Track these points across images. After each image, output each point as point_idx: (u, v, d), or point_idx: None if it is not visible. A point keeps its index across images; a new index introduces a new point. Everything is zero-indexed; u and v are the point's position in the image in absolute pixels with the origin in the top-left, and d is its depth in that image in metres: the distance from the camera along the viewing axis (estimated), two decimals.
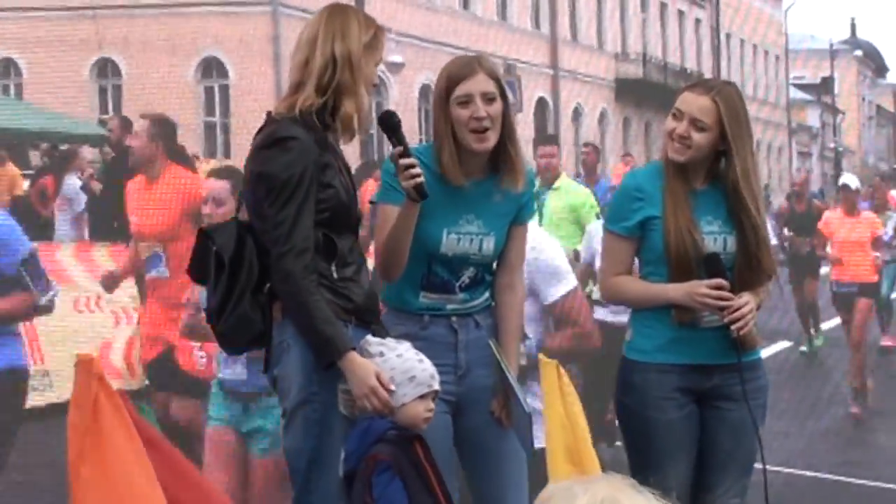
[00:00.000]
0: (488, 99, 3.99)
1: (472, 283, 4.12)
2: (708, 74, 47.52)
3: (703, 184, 4.28)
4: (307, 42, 3.85)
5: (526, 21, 40.79)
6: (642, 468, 4.29)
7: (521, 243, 4.27)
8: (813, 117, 69.05)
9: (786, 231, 13.72)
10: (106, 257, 10.05)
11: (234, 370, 5.30)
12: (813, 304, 13.58)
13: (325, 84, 3.80)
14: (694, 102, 4.19)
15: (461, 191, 4.01)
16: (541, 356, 4.47)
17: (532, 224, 4.52)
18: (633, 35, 47.35)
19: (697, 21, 53.72)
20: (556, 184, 8.79)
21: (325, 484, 3.70)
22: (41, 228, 13.25)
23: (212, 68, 31.03)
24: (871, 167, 64.64)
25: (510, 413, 4.11)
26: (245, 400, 5.30)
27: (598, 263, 6.93)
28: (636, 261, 4.41)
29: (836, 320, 11.90)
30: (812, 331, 13.86)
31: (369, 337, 3.76)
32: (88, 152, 18.68)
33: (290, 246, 3.67)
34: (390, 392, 3.60)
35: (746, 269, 4.22)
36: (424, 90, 32.28)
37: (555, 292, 5.10)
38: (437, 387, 3.68)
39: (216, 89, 31.15)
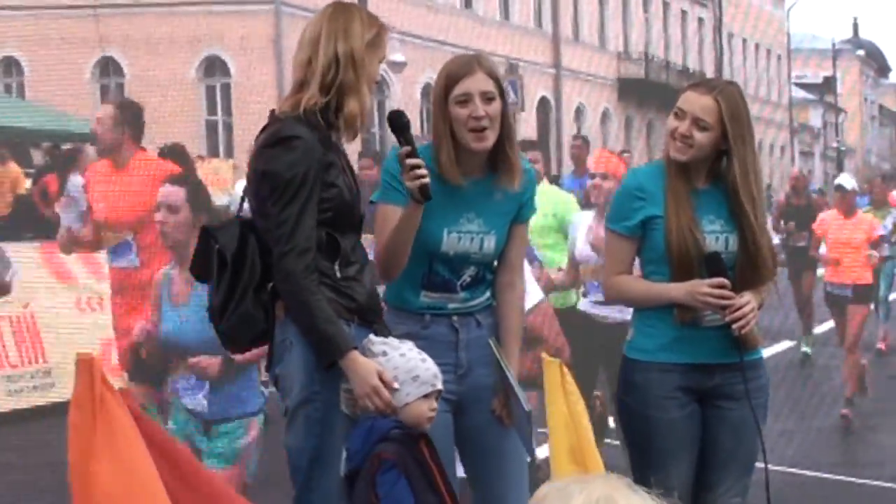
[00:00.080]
0: (487, 98, 3.99)
1: (472, 282, 4.12)
2: (710, 74, 47.52)
3: (704, 183, 4.28)
4: (310, 41, 3.85)
5: (528, 20, 40.77)
6: (644, 467, 4.30)
7: (522, 242, 4.27)
8: (815, 117, 69.04)
9: (782, 223, 13.58)
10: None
11: (196, 399, 5.34)
12: (809, 300, 13.42)
13: (329, 83, 3.80)
14: (696, 102, 4.19)
15: (460, 190, 4.01)
16: (543, 355, 4.47)
17: None
18: (635, 34, 47.33)
19: (700, 20, 53.70)
20: (539, 189, 8.68)
21: (326, 483, 3.70)
22: (43, 227, 13.24)
23: (214, 67, 31.02)
24: (874, 167, 64.59)
25: (511, 412, 4.11)
26: (206, 423, 5.36)
27: (577, 251, 7.00)
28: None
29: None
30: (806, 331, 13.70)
31: (372, 336, 3.76)
32: (92, 151, 18.66)
33: (291, 245, 3.67)
34: (393, 391, 3.60)
35: (748, 269, 4.21)
36: (427, 89, 32.25)
37: None
38: (440, 386, 3.68)
39: (218, 88, 31.15)
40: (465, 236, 4.06)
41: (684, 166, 4.23)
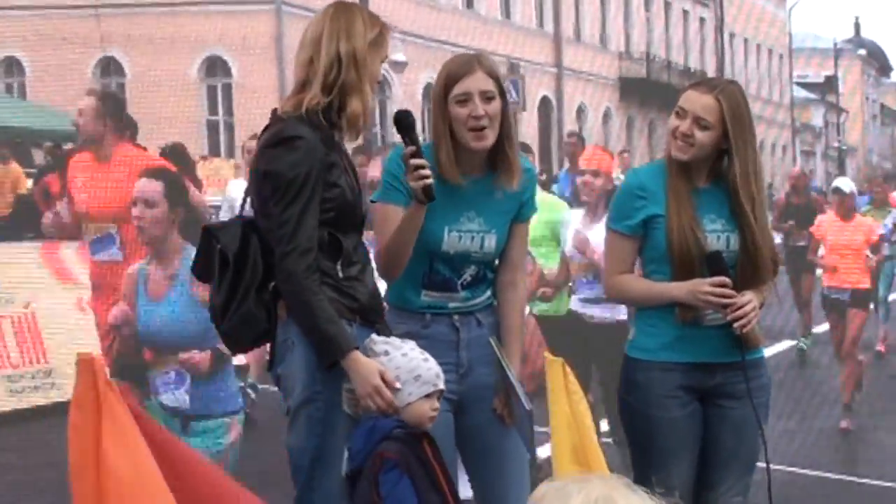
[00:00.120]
0: (487, 98, 3.99)
1: (473, 281, 4.12)
2: (712, 73, 47.54)
3: (706, 182, 4.28)
4: (312, 40, 3.85)
5: (530, 20, 40.77)
6: (645, 466, 4.30)
7: (523, 241, 4.27)
8: (817, 116, 69.03)
9: (781, 223, 13.51)
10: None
11: (176, 396, 5.28)
12: (808, 300, 13.31)
13: (331, 82, 3.80)
14: (697, 101, 4.19)
15: (460, 189, 4.01)
16: (546, 354, 4.46)
17: None
18: (636, 34, 47.33)
19: (701, 20, 53.70)
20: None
21: (327, 482, 3.70)
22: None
23: (215, 67, 31.02)
24: (875, 166, 64.57)
25: (511, 411, 4.11)
26: (185, 419, 5.32)
27: (567, 249, 6.93)
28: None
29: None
30: (804, 331, 13.63)
31: (374, 336, 3.76)
32: None
33: (293, 245, 3.67)
34: (395, 391, 3.60)
35: (749, 268, 4.22)
36: (428, 89, 32.22)
37: None
38: (442, 386, 3.68)
39: (219, 88, 31.16)
40: (466, 235, 4.06)
41: (685, 165, 4.23)
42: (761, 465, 4.30)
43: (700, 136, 4.17)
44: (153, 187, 5.39)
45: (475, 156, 4.05)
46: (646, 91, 45.16)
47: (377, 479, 3.45)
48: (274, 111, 3.88)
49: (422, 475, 3.51)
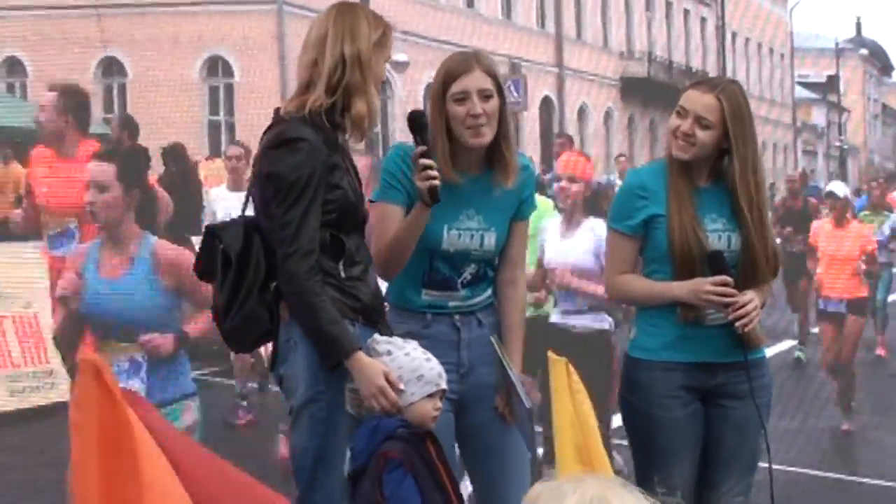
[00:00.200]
0: (485, 96, 3.99)
1: (473, 280, 4.12)
2: (713, 73, 47.51)
3: (706, 182, 4.28)
4: (316, 42, 3.84)
5: (531, 20, 40.76)
6: (647, 466, 4.30)
7: (523, 239, 4.27)
8: (818, 116, 69.02)
9: (779, 228, 13.39)
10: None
11: (130, 386, 4.84)
12: (804, 306, 13.04)
13: (335, 84, 3.80)
14: (698, 100, 4.20)
15: (459, 187, 4.01)
16: (550, 354, 4.46)
17: None
18: (638, 34, 47.32)
19: (703, 20, 53.69)
20: None
21: (329, 482, 3.70)
22: None
23: (217, 67, 31.03)
24: (877, 166, 64.56)
25: (513, 410, 4.12)
26: None
27: (546, 259, 6.72)
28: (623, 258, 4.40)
29: None
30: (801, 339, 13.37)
31: (377, 336, 3.76)
32: None
33: (295, 247, 3.67)
34: (399, 392, 3.60)
35: (750, 267, 4.22)
36: (429, 89, 32.20)
37: None
38: (444, 385, 3.68)
39: (221, 88, 31.16)
40: (465, 233, 4.06)
41: (686, 165, 4.24)
42: (764, 465, 4.30)
43: (701, 135, 4.17)
44: (105, 170, 5.04)
45: (473, 153, 4.06)
46: (647, 91, 45.15)
47: (381, 478, 3.45)
48: (276, 111, 3.87)
49: (425, 475, 3.51)
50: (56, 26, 28.42)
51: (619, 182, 18.68)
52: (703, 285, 4.14)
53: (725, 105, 4.16)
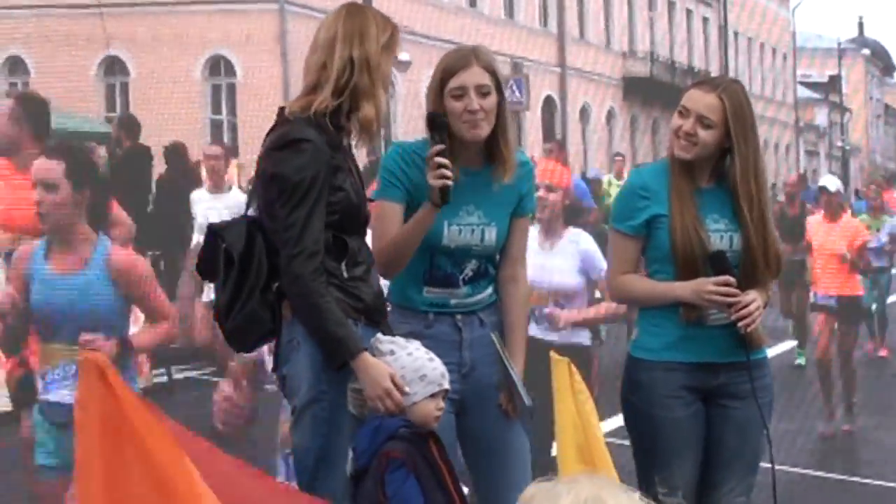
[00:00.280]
0: (483, 92, 4.00)
1: (475, 276, 4.12)
2: (715, 73, 47.45)
3: (708, 181, 4.29)
4: (325, 44, 3.82)
5: (533, 19, 40.75)
6: (648, 466, 4.31)
7: (523, 235, 4.28)
8: (820, 116, 68.90)
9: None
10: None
11: (60, 394, 4.68)
12: (800, 315, 12.91)
13: (343, 86, 3.79)
14: (700, 100, 4.20)
15: (458, 183, 3.99)
16: (552, 353, 4.46)
17: None
18: (640, 33, 47.29)
19: (705, 19, 53.64)
20: None
21: (331, 482, 3.70)
22: None
23: (219, 66, 31.03)
24: (879, 166, 64.51)
25: (516, 406, 4.12)
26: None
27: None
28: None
29: None
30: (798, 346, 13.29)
31: (380, 335, 3.76)
32: (101, 151, 18.65)
33: (300, 249, 3.66)
34: (404, 393, 3.61)
35: (752, 267, 4.22)
36: None
37: None
38: (447, 385, 3.68)
39: (223, 87, 31.16)
40: (466, 228, 4.07)
41: (688, 165, 4.24)
42: (766, 465, 4.31)
43: (703, 135, 4.18)
44: (51, 167, 4.70)
45: (470, 148, 4.06)
46: (649, 90, 45.11)
47: (383, 478, 3.45)
48: (281, 110, 3.86)
49: (428, 475, 3.50)
50: (58, 25, 28.42)
51: (614, 181, 18.68)
52: (706, 285, 4.14)
53: (727, 104, 4.17)
